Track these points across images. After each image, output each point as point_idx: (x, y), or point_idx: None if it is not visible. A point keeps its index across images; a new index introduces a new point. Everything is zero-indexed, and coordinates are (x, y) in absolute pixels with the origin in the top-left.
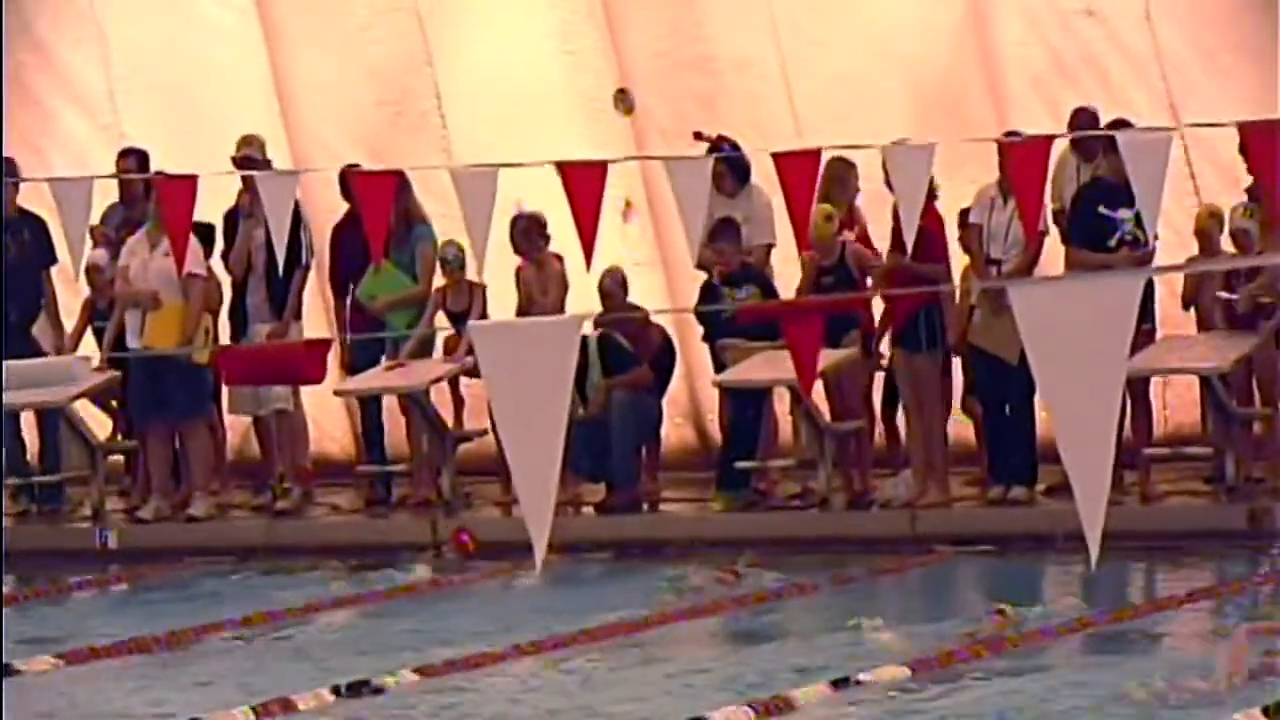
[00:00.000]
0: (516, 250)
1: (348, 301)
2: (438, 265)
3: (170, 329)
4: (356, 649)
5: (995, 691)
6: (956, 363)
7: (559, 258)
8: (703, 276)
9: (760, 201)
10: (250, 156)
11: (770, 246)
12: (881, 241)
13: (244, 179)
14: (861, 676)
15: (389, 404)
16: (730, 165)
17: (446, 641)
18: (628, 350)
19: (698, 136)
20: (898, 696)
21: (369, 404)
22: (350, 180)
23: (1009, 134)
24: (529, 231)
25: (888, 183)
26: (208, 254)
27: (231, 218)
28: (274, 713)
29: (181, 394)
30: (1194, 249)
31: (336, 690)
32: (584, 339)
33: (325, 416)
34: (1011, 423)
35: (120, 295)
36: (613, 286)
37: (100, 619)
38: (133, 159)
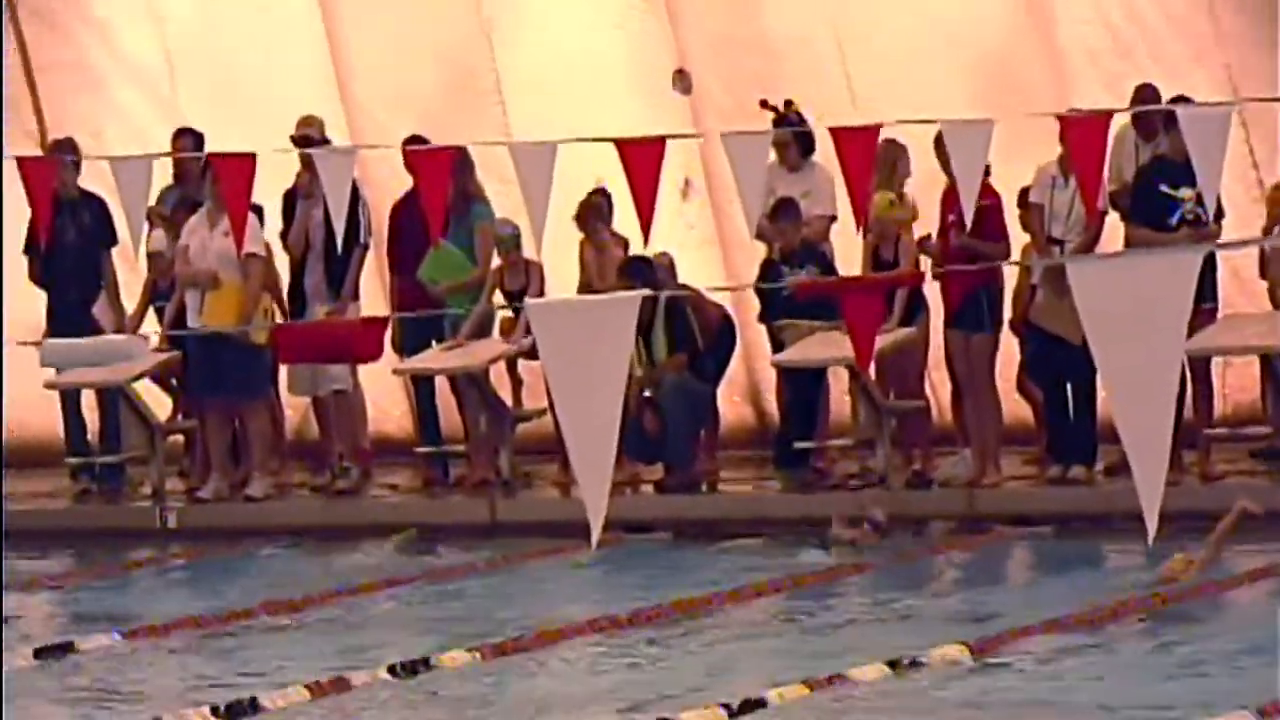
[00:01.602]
0: (580, 228)
1: (406, 280)
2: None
3: (229, 308)
4: (413, 628)
5: (1052, 670)
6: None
7: (623, 243)
8: (761, 256)
9: (822, 176)
10: (308, 136)
11: (831, 219)
12: (930, 224)
13: (302, 158)
14: (919, 656)
15: (442, 384)
16: (795, 136)
17: (504, 621)
18: (689, 325)
19: (764, 105)
20: (955, 676)
21: (422, 384)
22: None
23: (1071, 110)
24: (586, 214)
25: (942, 163)
26: None
27: (290, 198)
28: (329, 691)
29: (241, 374)
30: (1256, 228)
31: (392, 669)
32: (654, 299)
33: (384, 396)
34: (1073, 402)
35: (180, 275)
36: (662, 270)
37: (160, 597)
38: (188, 139)
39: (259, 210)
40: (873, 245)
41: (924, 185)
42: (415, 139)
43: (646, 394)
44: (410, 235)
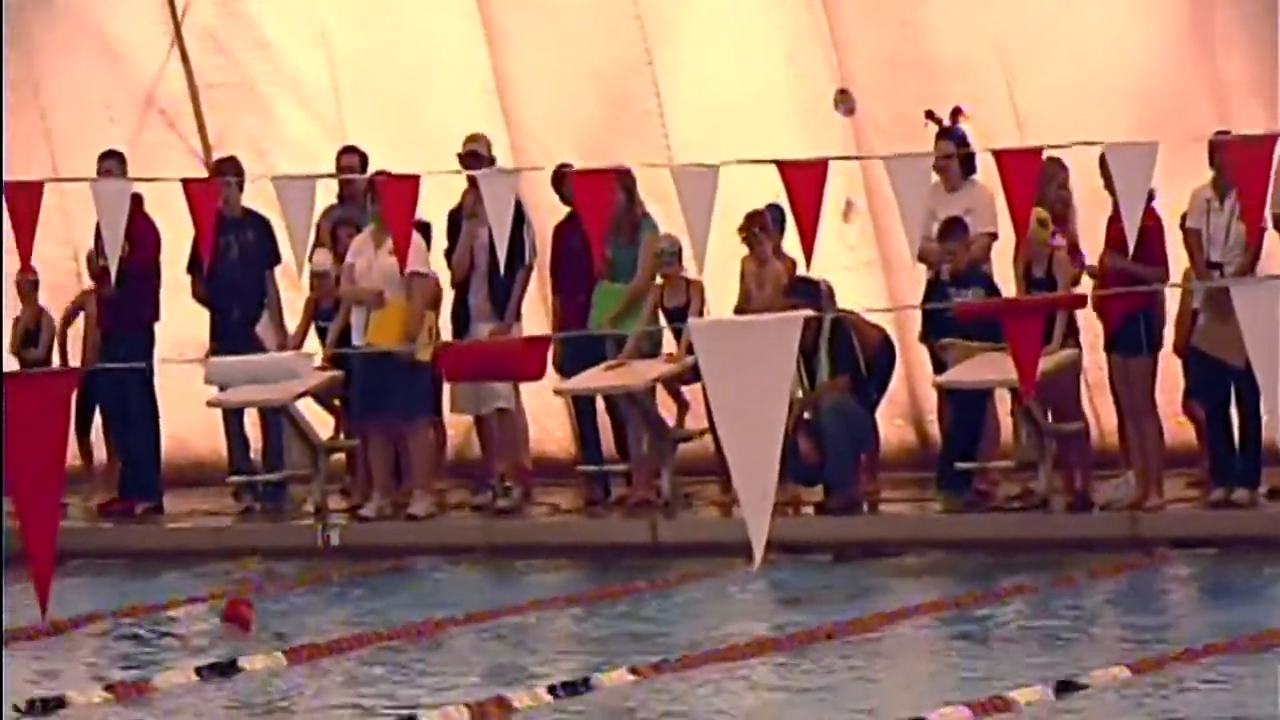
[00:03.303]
0: (743, 240)
1: (569, 301)
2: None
3: (394, 327)
4: (573, 648)
5: (1218, 693)
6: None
7: (790, 263)
8: (923, 277)
9: (983, 194)
10: (475, 152)
11: (993, 236)
12: (1092, 247)
13: (468, 178)
14: (1080, 677)
15: (603, 404)
16: (957, 155)
17: (664, 640)
18: (853, 348)
19: (929, 116)
20: (1117, 697)
21: (583, 404)
22: (567, 180)
23: (1219, 133)
24: (750, 225)
25: (1107, 185)
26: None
27: (455, 216)
28: (490, 710)
29: (404, 393)
30: None
31: (552, 689)
32: (818, 321)
33: (546, 416)
34: (1237, 425)
35: (346, 294)
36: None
37: (322, 615)
38: (353, 157)
39: (425, 228)
40: (1025, 263)
41: (1090, 207)
42: (566, 167)
43: (805, 417)
44: (571, 257)
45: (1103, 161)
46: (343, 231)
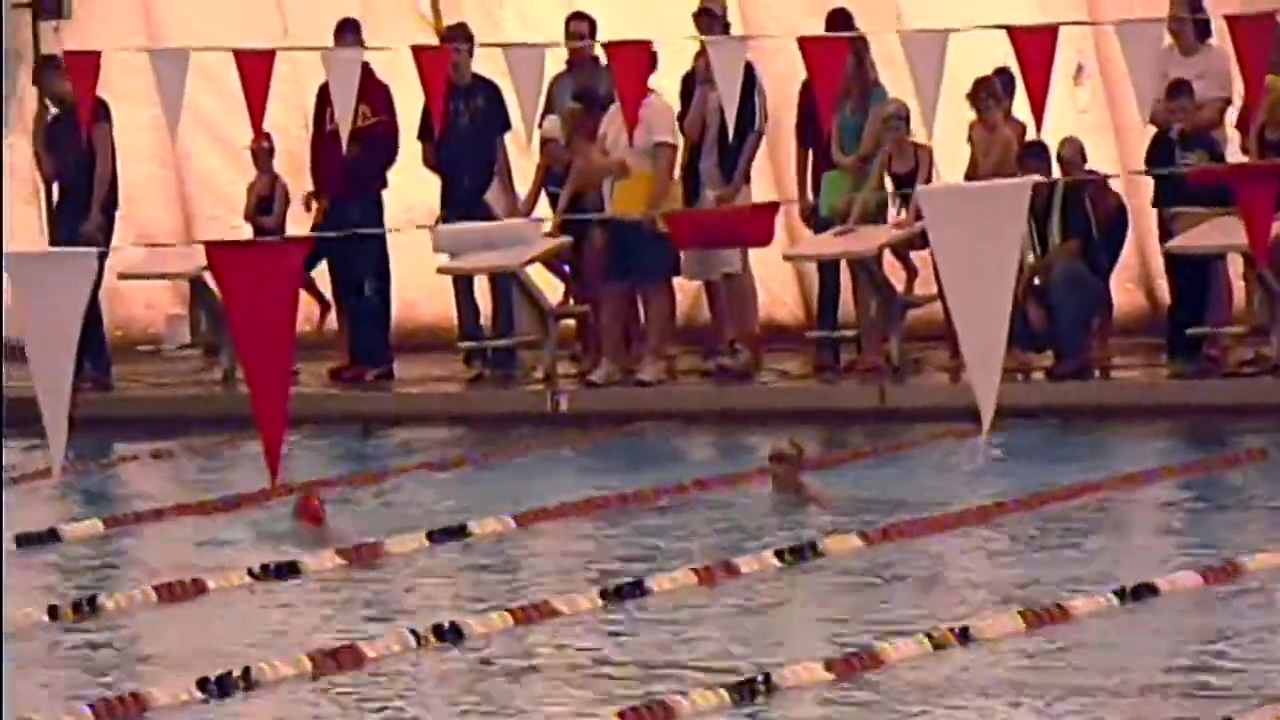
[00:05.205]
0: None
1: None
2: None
3: (637, 196)
4: (801, 512)
5: None
6: None
7: (1020, 128)
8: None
9: (1217, 58)
10: (710, 10)
11: (1226, 102)
12: None
13: (701, 43)
14: None
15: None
16: (1192, 19)
17: (891, 505)
18: (1085, 213)
19: None
20: None
21: (827, 270)
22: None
23: None
24: (979, 91)
25: None
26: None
27: (688, 82)
28: (716, 575)
29: (645, 257)
30: None
31: (779, 554)
32: (1051, 185)
33: (775, 281)
34: None
35: (595, 165)
36: (1072, 155)
37: (551, 481)
38: (582, 24)
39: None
40: (1260, 127)
41: None
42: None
43: (1036, 282)
44: (811, 119)
45: None
46: (579, 104)
